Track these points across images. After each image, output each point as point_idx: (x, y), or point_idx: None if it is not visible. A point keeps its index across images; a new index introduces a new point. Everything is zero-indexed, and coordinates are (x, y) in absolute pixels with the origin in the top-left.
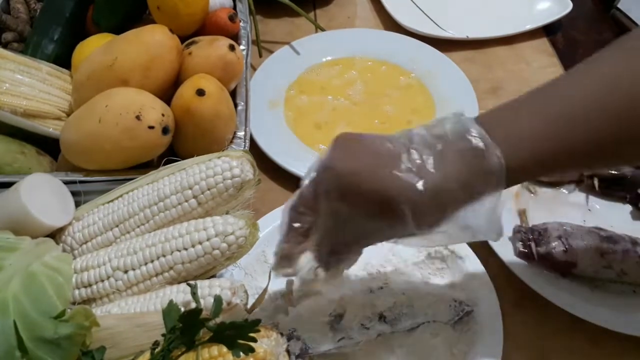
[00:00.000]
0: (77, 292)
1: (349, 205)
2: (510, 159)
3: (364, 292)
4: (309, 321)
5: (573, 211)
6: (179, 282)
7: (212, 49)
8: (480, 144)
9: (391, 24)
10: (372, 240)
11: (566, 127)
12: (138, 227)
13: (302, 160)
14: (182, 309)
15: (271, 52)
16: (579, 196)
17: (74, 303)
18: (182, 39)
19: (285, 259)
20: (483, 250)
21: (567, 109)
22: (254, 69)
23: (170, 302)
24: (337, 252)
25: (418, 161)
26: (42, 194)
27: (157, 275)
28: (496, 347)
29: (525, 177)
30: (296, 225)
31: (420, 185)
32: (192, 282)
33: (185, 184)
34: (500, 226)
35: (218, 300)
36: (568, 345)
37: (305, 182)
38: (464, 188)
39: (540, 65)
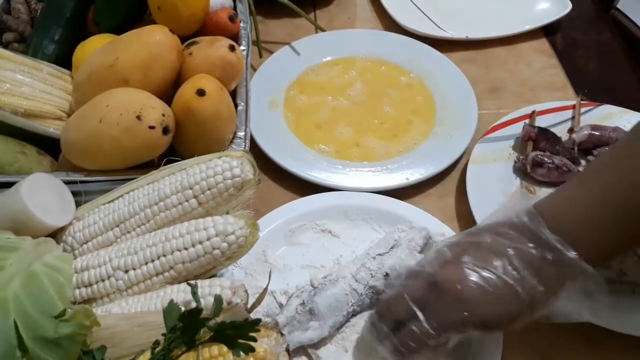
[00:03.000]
0: (77, 291)
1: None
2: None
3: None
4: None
5: None
6: (180, 282)
7: (212, 49)
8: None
9: (391, 24)
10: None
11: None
12: (138, 226)
13: (302, 160)
14: (183, 309)
15: (271, 52)
16: None
17: (74, 303)
18: (183, 39)
19: None
20: None
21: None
22: (254, 69)
23: (171, 301)
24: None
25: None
26: (43, 194)
27: (157, 274)
28: (496, 347)
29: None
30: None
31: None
32: (192, 282)
33: (185, 184)
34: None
35: (218, 299)
36: (568, 345)
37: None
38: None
39: (540, 66)
